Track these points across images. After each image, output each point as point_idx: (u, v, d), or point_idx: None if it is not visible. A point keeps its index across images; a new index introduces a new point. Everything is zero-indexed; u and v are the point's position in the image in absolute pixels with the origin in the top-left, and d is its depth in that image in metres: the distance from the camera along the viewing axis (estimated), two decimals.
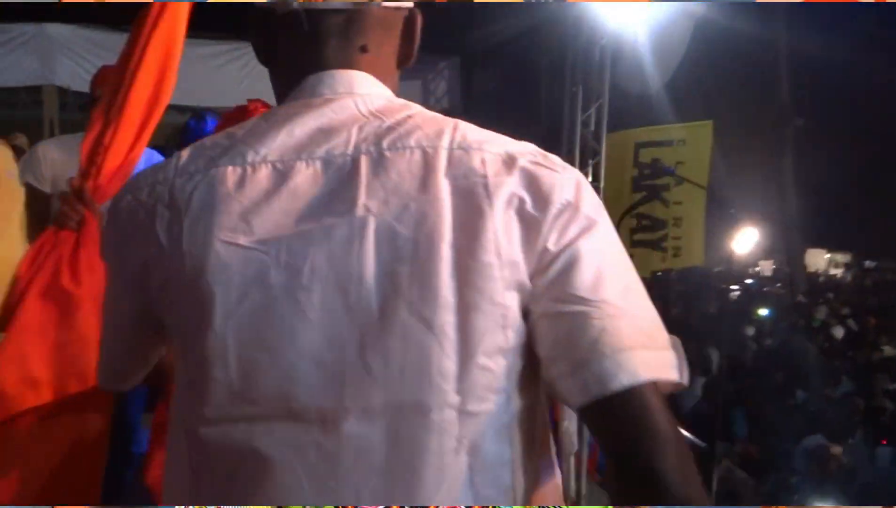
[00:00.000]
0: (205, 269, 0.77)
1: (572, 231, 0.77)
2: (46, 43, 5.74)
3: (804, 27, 13.13)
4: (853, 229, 20.87)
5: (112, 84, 1.70)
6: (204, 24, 6.21)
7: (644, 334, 0.76)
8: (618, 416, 0.74)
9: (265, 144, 0.81)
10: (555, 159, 0.84)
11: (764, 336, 8.53)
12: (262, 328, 0.76)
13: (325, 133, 0.81)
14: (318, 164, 0.80)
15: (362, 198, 0.77)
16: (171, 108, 6.12)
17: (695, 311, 9.54)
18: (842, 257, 26.34)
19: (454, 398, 0.74)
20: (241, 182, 0.79)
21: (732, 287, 14.94)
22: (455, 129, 0.82)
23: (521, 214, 0.77)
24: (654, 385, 0.75)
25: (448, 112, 2.45)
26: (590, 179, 5.93)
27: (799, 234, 14.29)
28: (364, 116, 0.83)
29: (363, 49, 0.88)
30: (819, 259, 25.44)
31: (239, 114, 2.08)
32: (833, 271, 25.46)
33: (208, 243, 0.77)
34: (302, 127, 0.82)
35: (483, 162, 0.78)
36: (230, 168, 0.80)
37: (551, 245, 0.76)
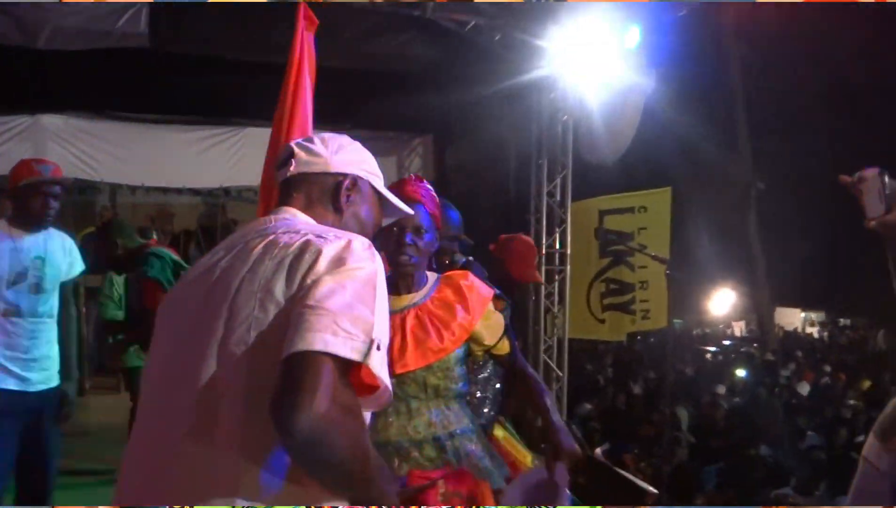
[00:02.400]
0: None
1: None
2: (39, 132, 6.03)
3: (761, 87, 13.70)
4: (825, 289, 21.26)
5: None
6: (187, 110, 6.56)
7: (336, 327, 1.09)
8: (289, 371, 1.05)
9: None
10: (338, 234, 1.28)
11: (734, 395, 8.74)
12: None
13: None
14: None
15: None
16: (154, 189, 6.36)
17: (671, 372, 9.75)
18: (816, 316, 26.78)
19: None
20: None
21: (710, 348, 15.23)
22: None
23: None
24: (331, 360, 1.07)
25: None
26: (557, 246, 6.30)
27: (769, 294, 14.66)
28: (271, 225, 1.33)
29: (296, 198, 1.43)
30: (794, 318, 25.87)
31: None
32: (809, 330, 25.83)
33: None
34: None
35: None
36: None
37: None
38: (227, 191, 7.13)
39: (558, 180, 6.39)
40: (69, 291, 2.86)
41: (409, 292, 2.08)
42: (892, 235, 1.67)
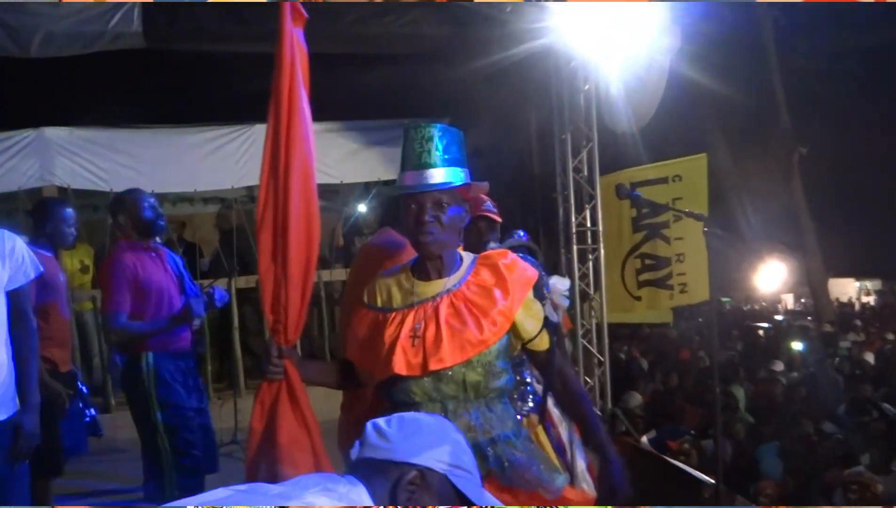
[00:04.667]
0: None
1: None
2: (45, 146, 5.91)
3: (796, 49, 13.13)
4: (880, 256, 20.42)
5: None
6: (193, 114, 6.40)
7: None
8: None
9: None
10: None
11: (792, 370, 8.22)
12: None
13: None
14: None
15: None
16: (170, 195, 6.20)
17: (722, 351, 9.27)
18: (871, 285, 25.77)
19: None
20: None
21: (762, 324, 14.60)
22: None
23: None
24: None
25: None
26: (588, 223, 5.93)
27: (821, 263, 13.97)
28: None
29: None
30: (849, 288, 24.94)
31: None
32: (865, 299, 24.88)
33: None
34: None
35: None
36: None
37: None
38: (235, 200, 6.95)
39: (584, 154, 6.03)
40: (22, 302, 2.37)
41: (441, 276, 1.80)
42: None
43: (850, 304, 22.42)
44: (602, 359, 5.95)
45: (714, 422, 3.07)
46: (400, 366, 1.71)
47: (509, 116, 6.52)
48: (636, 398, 6.42)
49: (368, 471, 1.18)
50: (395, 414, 1.29)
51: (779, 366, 8.22)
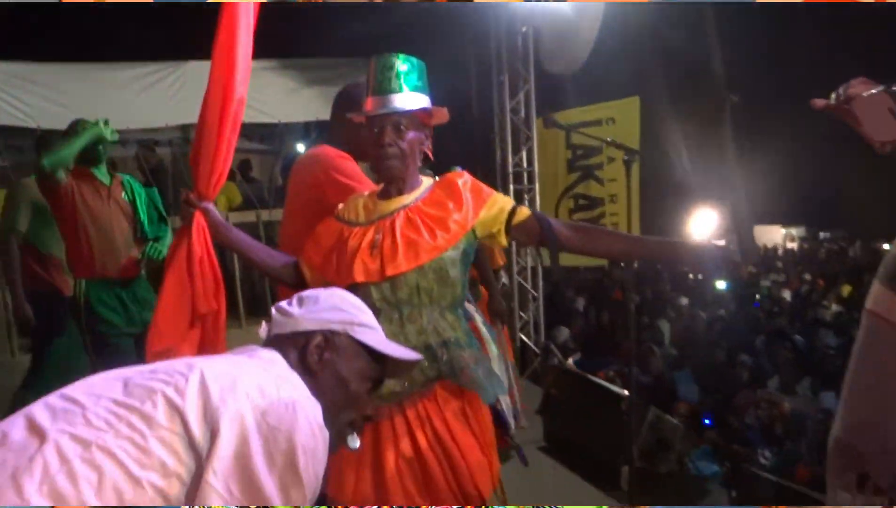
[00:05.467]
0: None
1: None
2: None
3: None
4: (804, 204, 21.26)
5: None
6: (126, 49, 6.20)
7: None
8: None
9: None
10: None
11: (717, 307, 8.69)
12: None
13: None
14: None
15: None
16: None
17: (648, 292, 9.69)
18: (797, 231, 26.94)
19: None
20: None
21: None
22: None
23: None
24: None
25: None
26: (524, 164, 6.08)
27: (748, 210, 14.56)
28: None
29: None
30: (775, 235, 26.01)
31: None
32: (790, 245, 26.01)
33: None
34: None
35: None
36: None
37: None
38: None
39: (521, 96, 6.14)
40: None
41: (401, 194, 1.92)
42: None
43: (774, 249, 23.47)
44: (536, 295, 6.18)
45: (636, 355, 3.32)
46: (359, 274, 1.85)
47: (448, 57, 6.54)
48: (564, 332, 6.71)
49: (279, 345, 1.29)
50: (295, 294, 1.41)
51: (684, 301, 8.68)
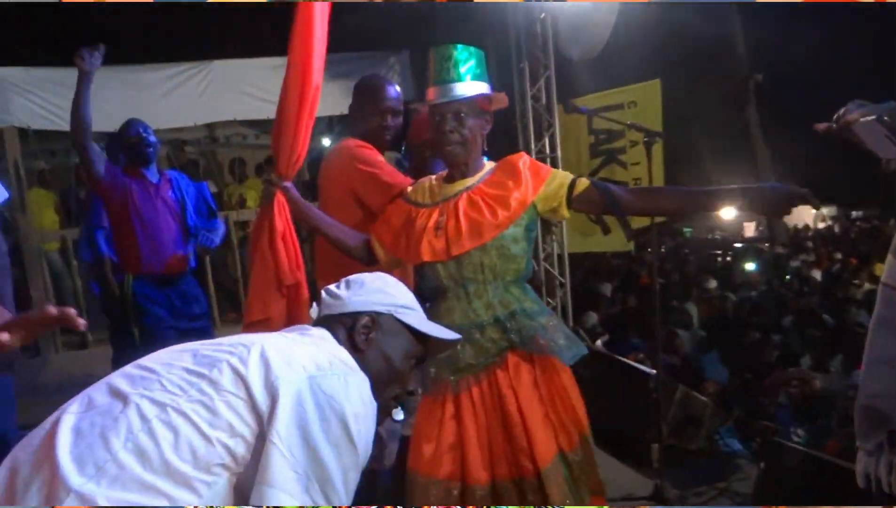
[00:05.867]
0: None
1: None
2: (1, 86, 5.84)
3: None
4: (835, 182, 20.89)
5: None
6: (153, 51, 6.34)
7: None
8: None
9: None
10: None
11: (745, 289, 8.62)
12: None
13: None
14: None
15: None
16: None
17: (676, 275, 9.66)
18: (828, 211, 26.48)
19: None
20: None
21: (718, 251, 15.06)
22: None
23: None
24: None
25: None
26: (547, 150, 6.10)
27: None
28: None
29: None
30: (806, 215, 25.60)
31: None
32: (821, 225, 25.59)
33: None
34: None
35: None
36: None
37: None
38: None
39: (542, 83, 6.15)
40: None
41: (464, 177, 2.05)
42: None
43: (805, 229, 23.09)
44: (563, 281, 6.21)
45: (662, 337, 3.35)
46: (426, 253, 1.96)
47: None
48: (592, 318, 6.73)
49: (328, 325, 1.40)
50: (343, 278, 1.51)
51: (712, 284, 8.62)
